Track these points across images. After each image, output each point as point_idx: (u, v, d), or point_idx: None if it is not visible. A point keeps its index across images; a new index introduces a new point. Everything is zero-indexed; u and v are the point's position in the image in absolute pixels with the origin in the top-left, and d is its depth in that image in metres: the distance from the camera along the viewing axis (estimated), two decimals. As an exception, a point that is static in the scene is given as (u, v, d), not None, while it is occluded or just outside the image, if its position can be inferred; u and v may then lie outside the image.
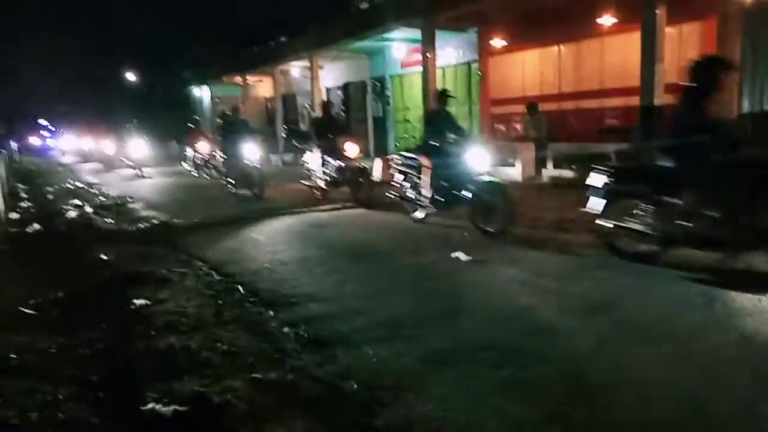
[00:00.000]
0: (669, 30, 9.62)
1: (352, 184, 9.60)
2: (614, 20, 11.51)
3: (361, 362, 3.30)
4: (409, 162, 7.64)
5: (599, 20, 11.67)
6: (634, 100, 9.94)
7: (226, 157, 11.92)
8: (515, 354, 3.28)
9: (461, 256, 5.56)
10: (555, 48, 13.43)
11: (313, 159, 10.15)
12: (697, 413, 2.60)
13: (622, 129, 11.04)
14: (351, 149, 9.50)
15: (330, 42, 16.98)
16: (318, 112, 14.74)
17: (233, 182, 11.20)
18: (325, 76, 20.67)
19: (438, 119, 7.35)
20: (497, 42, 14.32)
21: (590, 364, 3.12)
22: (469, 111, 15.54)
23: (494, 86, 14.94)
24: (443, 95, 7.52)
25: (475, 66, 15.28)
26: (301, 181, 10.58)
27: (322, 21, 17.16)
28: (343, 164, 9.52)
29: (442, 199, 7.05)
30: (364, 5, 16.11)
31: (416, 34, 14.11)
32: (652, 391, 2.79)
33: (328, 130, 10.02)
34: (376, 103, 19.64)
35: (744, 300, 4.00)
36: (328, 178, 9.81)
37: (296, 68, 21.74)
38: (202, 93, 29.91)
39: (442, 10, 12.83)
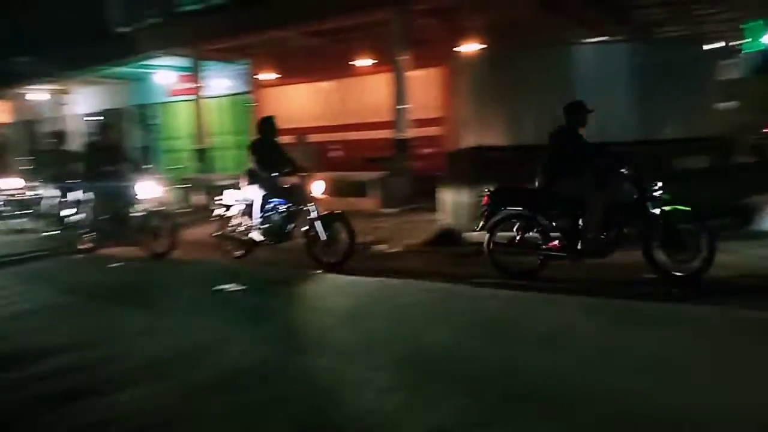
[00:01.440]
0: (417, 73, 11.08)
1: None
2: (372, 61, 12.80)
3: (120, 408, 3.09)
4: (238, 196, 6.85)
5: (358, 62, 12.86)
6: (389, 133, 11.16)
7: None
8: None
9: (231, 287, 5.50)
10: (322, 84, 14.35)
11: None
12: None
13: (382, 158, 12.19)
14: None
15: (85, 66, 15.45)
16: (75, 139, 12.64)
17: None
18: (79, 101, 18.67)
19: (265, 148, 6.56)
20: (268, 75, 14.68)
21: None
22: (241, 143, 15.52)
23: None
24: (266, 123, 6.72)
25: (246, 97, 15.40)
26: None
27: (75, 43, 15.51)
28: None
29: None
30: (125, 29, 15.04)
31: (185, 62, 13.73)
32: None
33: (107, 158, 7.50)
34: (140, 132, 18.37)
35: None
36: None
37: (41, 92, 19.16)
38: None
39: (207, 41, 12.73)
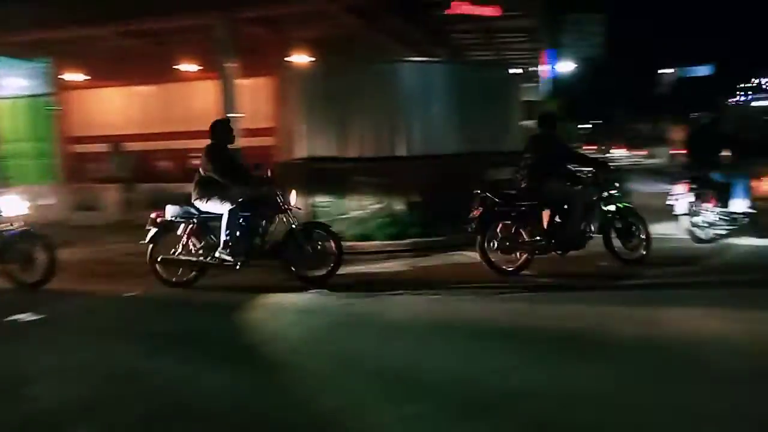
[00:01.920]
0: (248, 81, 10.73)
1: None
2: (198, 67, 12.11)
3: None
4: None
5: (182, 66, 12.08)
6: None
7: None
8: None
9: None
10: (142, 88, 13.20)
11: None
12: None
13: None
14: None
15: None
16: None
17: None
18: None
19: (224, 154, 5.89)
20: (75, 76, 13.09)
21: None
22: (42, 150, 13.61)
23: (74, 123, 13.55)
24: (220, 126, 6.13)
25: (47, 100, 13.54)
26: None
27: None
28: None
29: None
30: None
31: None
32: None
33: None
34: None
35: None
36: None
37: None
38: None
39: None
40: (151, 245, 5.88)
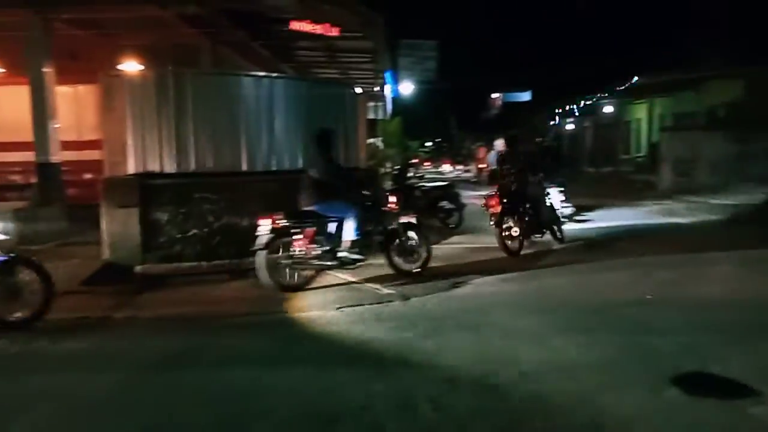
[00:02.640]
0: (65, 89, 9.66)
1: None
2: (3, 70, 10.66)
3: None
4: None
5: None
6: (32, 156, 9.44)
7: None
8: None
9: None
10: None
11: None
12: None
13: (25, 185, 10.26)
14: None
15: None
16: None
17: None
18: None
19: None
20: None
21: None
22: None
23: None
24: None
25: None
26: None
27: None
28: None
29: None
30: None
31: None
32: None
33: None
34: None
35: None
36: None
37: None
38: None
39: None
40: (264, 251, 5.96)
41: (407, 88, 17.95)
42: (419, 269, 6.60)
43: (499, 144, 21.48)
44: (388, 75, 14.34)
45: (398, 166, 14.55)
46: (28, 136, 9.81)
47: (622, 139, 25.50)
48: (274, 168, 8.48)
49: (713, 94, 19.95)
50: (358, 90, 10.45)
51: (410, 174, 12.03)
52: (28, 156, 9.97)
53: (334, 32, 9.65)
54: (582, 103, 25.25)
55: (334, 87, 9.72)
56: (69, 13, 8.77)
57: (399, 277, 6.49)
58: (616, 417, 3.10)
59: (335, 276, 6.57)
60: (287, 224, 6.12)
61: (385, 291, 6.00)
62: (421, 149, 46.52)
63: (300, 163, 8.81)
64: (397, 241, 6.61)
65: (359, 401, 3.27)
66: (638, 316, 4.95)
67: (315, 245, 6.14)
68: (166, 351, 4.37)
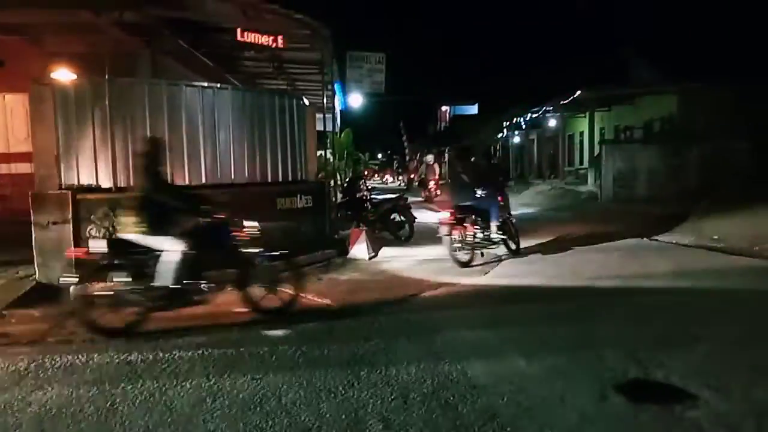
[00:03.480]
0: (-4, 97, 9.09)
1: None
2: None
3: None
4: None
5: None
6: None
7: None
8: None
9: None
10: None
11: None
12: None
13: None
14: None
15: None
16: None
17: None
18: None
19: None
20: None
21: None
22: None
23: None
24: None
25: None
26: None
27: None
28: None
29: None
30: None
31: None
32: None
33: None
34: None
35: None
36: None
37: None
38: None
39: None
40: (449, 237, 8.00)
41: (356, 100, 17.88)
42: None
43: (430, 158, 24.28)
44: (336, 86, 14.25)
45: (347, 179, 14.42)
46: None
47: (566, 152, 26.31)
48: (218, 181, 8.22)
49: (649, 109, 20.87)
50: (307, 101, 10.29)
51: (361, 186, 11.96)
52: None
53: (280, 43, 9.48)
54: (528, 115, 25.92)
55: (280, 97, 9.53)
56: (-6, 18, 8.26)
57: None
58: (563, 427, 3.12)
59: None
60: (461, 216, 8.12)
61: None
62: (372, 162, 46.65)
63: (246, 176, 8.60)
64: None
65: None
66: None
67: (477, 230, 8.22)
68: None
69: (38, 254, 6.82)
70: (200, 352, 4.56)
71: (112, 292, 5.17)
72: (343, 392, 3.64)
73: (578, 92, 19.41)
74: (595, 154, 19.72)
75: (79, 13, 7.85)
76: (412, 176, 31.40)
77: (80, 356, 4.50)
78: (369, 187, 12.61)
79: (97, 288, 5.18)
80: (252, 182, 8.70)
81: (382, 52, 16.15)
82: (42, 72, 9.47)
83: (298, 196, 9.06)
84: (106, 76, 7.40)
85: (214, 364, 4.28)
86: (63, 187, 7.33)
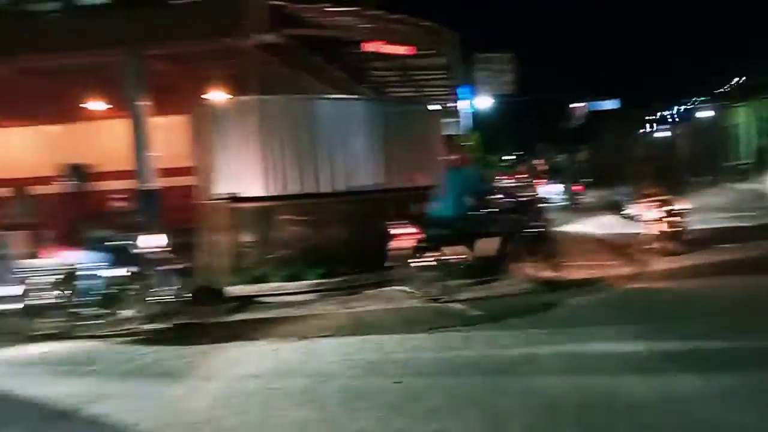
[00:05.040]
0: (159, 120, 10.34)
1: None
2: (108, 105, 11.60)
3: None
4: None
5: (90, 104, 11.56)
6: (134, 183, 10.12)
7: None
8: None
9: None
10: (48, 128, 12.48)
11: None
12: None
13: (128, 210, 10.99)
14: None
15: None
16: None
17: None
18: None
19: None
20: (-28, 116, 12.21)
21: None
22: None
23: (-28, 166, 12.56)
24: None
25: None
26: None
27: None
28: None
29: None
30: None
31: None
32: None
33: None
34: None
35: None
36: None
37: None
38: None
39: None
40: None
41: (485, 102, 17.65)
42: None
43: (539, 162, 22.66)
44: (464, 90, 14.20)
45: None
46: (128, 165, 10.58)
47: (724, 146, 23.61)
48: (353, 188, 8.60)
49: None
50: (434, 107, 10.41)
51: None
52: (129, 184, 10.74)
53: (408, 51, 9.68)
54: (676, 108, 23.71)
55: (407, 105, 9.74)
56: (158, 50, 9.41)
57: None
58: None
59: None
60: None
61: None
62: (502, 163, 45.64)
63: (379, 183, 8.89)
64: None
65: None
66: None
67: None
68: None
69: (200, 258, 7.62)
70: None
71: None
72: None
73: (739, 79, 17.32)
74: (762, 145, 17.34)
75: (225, 40, 8.66)
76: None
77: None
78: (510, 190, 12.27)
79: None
80: (384, 188, 8.97)
81: (509, 53, 15.78)
82: (199, 94, 10.63)
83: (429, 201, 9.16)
84: (252, 95, 8.10)
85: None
86: (219, 197, 8.13)
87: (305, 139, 8.37)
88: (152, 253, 5.77)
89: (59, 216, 11.38)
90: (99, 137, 12.13)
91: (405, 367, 4.39)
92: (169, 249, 5.90)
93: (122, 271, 5.70)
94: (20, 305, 5.56)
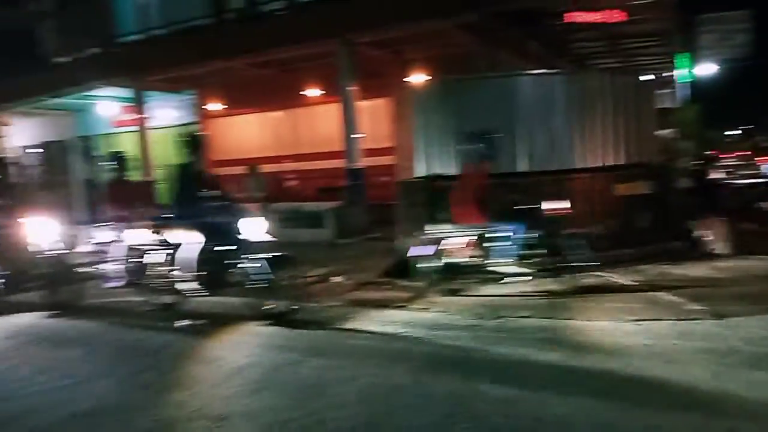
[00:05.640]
0: (363, 103, 11.15)
1: None
2: (321, 92, 12.83)
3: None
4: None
5: (307, 92, 12.89)
6: (342, 162, 11.12)
7: None
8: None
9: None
10: (273, 113, 14.26)
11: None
12: None
13: (336, 188, 12.11)
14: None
15: (21, 97, 14.85)
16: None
17: None
18: (17, 133, 17.86)
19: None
20: (216, 105, 14.48)
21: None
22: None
23: (215, 148, 14.93)
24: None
25: (194, 128, 15.08)
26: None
27: (8, 72, 14.92)
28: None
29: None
30: (63, 59, 14.61)
31: (127, 93, 13.41)
32: None
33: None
34: (84, 164, 17.68)
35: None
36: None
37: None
38: None
39: (152, 71, 12.48)
40: None
41: (708, 68, 15.48)
42: None
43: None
44: (682, 57, 12.63)
45: (698, 161, 12.64)
46: (337, 146, 11.61)
47: None
48: (554, 167, 8.28)
49: None
50: (645, 77, 9.47)
51: (713, 170, 10.28)
52: (338, 163, 11.79)
53: (618, 18, 8.93)
54: None
55: (613, 77, 8.99)
56: (368, 37, 10.08)
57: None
58: None
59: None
60: None
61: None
62: (726, 139, 39.72)
63: (582, 162, 8.42)
64: None
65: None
66: None
67: None
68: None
69: (400, 232, 8.06)
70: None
71: None
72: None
73: None
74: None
75: (430, 22, 8.90)
76: None
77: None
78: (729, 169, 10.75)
79: None
80: (587, 167, 8.48)
81: (743, 10, 13.52)
82: (400, 78, 11.18)
83: (637, 181, 8.42)
84: (451, 75, 8.22)
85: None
86: (419, 175, 8.48)
87: (504, 118, 8.24)
88: (555, 216, 6.00)
89: (284, 191, 13.08)
90: (312, 121, 13.51)
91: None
92: (570, 212, 5.94)
93: (531, 234, 5.90)
94: (439, 263, 6.03)
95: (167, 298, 5.54)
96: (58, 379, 4.09)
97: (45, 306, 6.12)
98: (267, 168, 13.28)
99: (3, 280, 6.65)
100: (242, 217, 5.29)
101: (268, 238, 5.38)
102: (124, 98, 14.31)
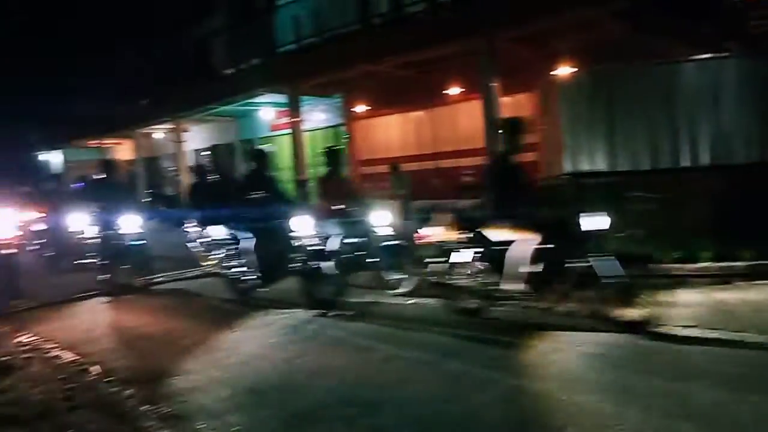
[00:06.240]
0: (505, 99, 10.98)
1: None
2: (461, 90, 12.87)
3: None
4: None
5: (448, 90, 13.02)
6: (483, 160, 11.06)
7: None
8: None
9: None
10: (414, 113, 14.62)
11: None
12: None
13: (478, 185, 12.09)
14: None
15: (196, 105, 16.88)
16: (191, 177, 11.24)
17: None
18: (191, 138, 20.32)
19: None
20: (361, 107, 15.21)
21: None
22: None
23: (361, 148, 15.71)
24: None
25: (341, 130, 16.01)
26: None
27: (187, 85, 17.04)
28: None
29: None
30: (230, 71, 16.34)
31: (283, 98, 14.61)
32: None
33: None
34: (246, 165, 19.63)
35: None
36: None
37: (159, 131, 21.16)
38: (50, 158, 27.81)
39: (306, 77, 13.44)
40: None
41: None
42: None
43: None
44: None
45: None
46: (478, 143, 11.59)
47: None
48: (721, 161, 7.57)
49: None
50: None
51: None
52: (479, 161, 11.76)
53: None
54: None
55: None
56: (513, 32, 9.90)
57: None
58: None
59: None
60: None
61: None
62: None
63: (756, 156, 7.58)
64: None
65: None
66: None
67: None
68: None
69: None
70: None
71: None
72: None
73: None
74: None
75: (583, 9, 8.48)
76: None
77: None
78: None
79: None
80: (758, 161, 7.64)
81: None
82: (543, 71, 10.82)
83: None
84: (600, 66, 7.81)
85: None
86: (566, 172, 8.24)
87: (662, 110, 7.70)
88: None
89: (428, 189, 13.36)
90: (453, 120, 13.62)
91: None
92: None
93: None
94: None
95: (472, 302, 5.14)
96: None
97: (307, 304, 5.95)
98: (408, 166, 13.69)
99: (258, 275, 6.55)
100: (579, 210, 4.71)
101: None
102: (280, 103, 15.60)
